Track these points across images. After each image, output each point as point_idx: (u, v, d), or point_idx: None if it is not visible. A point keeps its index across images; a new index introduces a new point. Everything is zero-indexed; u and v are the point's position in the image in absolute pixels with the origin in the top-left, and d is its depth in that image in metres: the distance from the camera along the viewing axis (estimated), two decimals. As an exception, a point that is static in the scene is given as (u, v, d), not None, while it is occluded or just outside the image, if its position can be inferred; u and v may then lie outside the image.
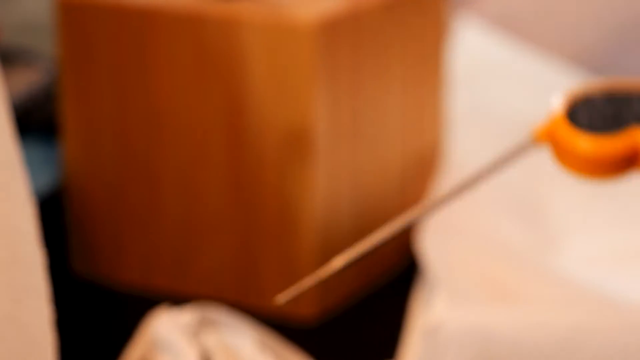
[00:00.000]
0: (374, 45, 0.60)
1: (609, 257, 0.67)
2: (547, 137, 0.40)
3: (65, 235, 0.62)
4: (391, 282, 0.68)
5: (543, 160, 0.72)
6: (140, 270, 0.64)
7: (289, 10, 0.56)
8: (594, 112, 0.41)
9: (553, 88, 0.84)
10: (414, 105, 0.65)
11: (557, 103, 0.41)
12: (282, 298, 0.49)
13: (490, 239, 0.67)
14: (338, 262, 0.45)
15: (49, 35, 0.62)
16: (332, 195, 0.61)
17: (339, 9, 0.56)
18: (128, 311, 0.59)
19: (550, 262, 0.65)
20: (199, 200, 0.61)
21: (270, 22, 0.55)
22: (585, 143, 0.39)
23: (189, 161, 0.60)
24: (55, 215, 0.60)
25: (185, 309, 0.53)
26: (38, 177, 0.61)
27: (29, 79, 0.73)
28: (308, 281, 0.47)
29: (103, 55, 0.59)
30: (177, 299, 0.56)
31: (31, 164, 0.45)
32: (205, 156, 0.59)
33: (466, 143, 0.73)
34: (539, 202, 0.72)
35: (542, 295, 0.61)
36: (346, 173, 0.62)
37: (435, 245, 0.63)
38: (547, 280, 0.62)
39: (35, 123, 0.65)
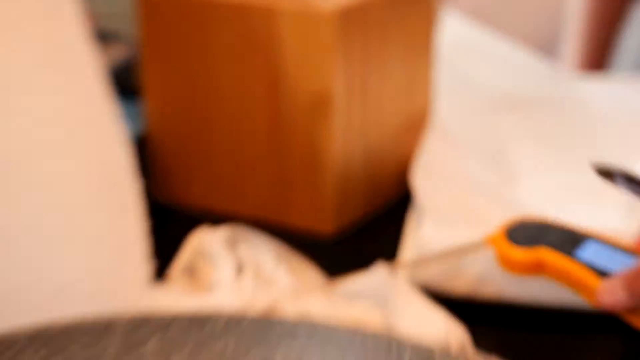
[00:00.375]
0: (379, 29, 0.58)
1: (557, 193, 0.64)
2: (492, 243, 0.46)
3: (148, 171, 0.59)
4: (391, 209, 0.67)
5: (508, 119, 0.71)
6: (204, 196, 0.63)
7: (315, 2, 0.55)
8: (523, 233, 0.46)
9: (516, 65, 0.82)
10: (409, 76, 0.63)
11: (503, 223, 0.48)
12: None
13: (466, 177, 0.63)
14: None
15: (132, 20, 0.61)
16: (347, 144, 0.58)
17: (353, 1, 0.55)
18: (195, 228, 0.53)
19: (511, 195, 0.62)
20: (246, 145, 0.60)
21: (300, 11, 0.53)
22: (512, 253, 0.44)
23: (239, 116, 0.59)
24: (140, 156, 0.56)
25: (222, 227, 0.50)
26: (127, 127, 0.57)
27: (118, 54, 0.72)
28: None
29: (174, 36, 0.58)
30: (226, 219, 0.54)
31: (122, 117, 0.43)
32: (250, 114, 0.58)
33: (448, 107, 0.71)
34: (504, 150, 0.69)
35: (503, 220, 0.59)
36: (357, 127, 0.59)
37: (424, 181, 0.59)
38: (508, 209, 0.58)
39: (124, 86, 0.61)
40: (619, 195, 0.53)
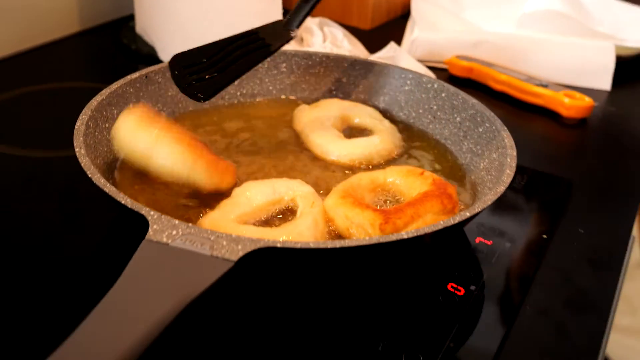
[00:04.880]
0: None
1: (488, 18, 0.98)
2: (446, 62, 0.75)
3: None
4: (398, 19, 1.01)
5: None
6: None
7: None
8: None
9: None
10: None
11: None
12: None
13: (440, 5, 0.98)
14: None
15: None
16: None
17: None
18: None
19: (464, 16, 0.97)
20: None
21: None
22: (455, 62, 0.75)
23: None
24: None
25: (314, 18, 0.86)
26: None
27: None
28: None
29: None
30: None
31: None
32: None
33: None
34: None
35: (458, 27, 0.91)
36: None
37: (417, 4, 0.96)
38: (462, 23, 0.92)
39: None
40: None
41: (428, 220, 0.48)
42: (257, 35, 0.57)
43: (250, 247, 0.39)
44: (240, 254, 0.38)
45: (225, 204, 0.49)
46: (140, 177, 0.53)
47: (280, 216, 0.50)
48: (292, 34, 0.56)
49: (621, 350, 1.56)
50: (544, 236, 0.55)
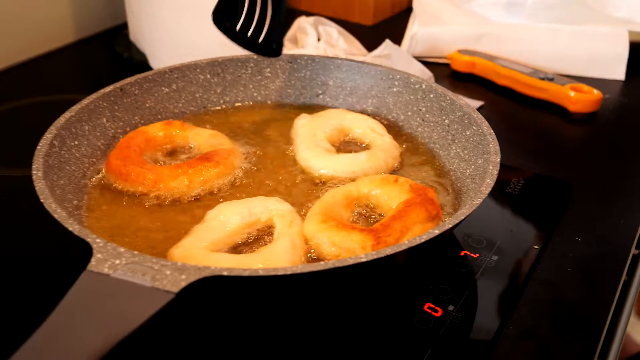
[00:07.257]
0: None
1: (491, 9, 0.92)
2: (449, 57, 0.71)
3: None
4: (402, 14, 0.98)
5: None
6: (309, 4, 0.95)
7: None
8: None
9: None
10: None
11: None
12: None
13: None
14: None
15: None
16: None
17: None
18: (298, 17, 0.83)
19: (470, 9, 0.92)
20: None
21: None
22: (458, 57, 0.71)
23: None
24: None
25: (312, 17, 0.81)
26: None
27: None
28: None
29: None
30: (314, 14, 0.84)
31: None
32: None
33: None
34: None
35: (463, 20, 0.87)
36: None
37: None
38: (467, 17, 0.87)
39: None
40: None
41: (417, 232, 0.44)
42: None
43: (194, 277, 0.36)
44: (183, 284, 0.36)
45: (197, 230, 0.46)
46: (115, 198, 0.51)
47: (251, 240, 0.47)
48: None
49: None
50: (536, 247, 0.51)
